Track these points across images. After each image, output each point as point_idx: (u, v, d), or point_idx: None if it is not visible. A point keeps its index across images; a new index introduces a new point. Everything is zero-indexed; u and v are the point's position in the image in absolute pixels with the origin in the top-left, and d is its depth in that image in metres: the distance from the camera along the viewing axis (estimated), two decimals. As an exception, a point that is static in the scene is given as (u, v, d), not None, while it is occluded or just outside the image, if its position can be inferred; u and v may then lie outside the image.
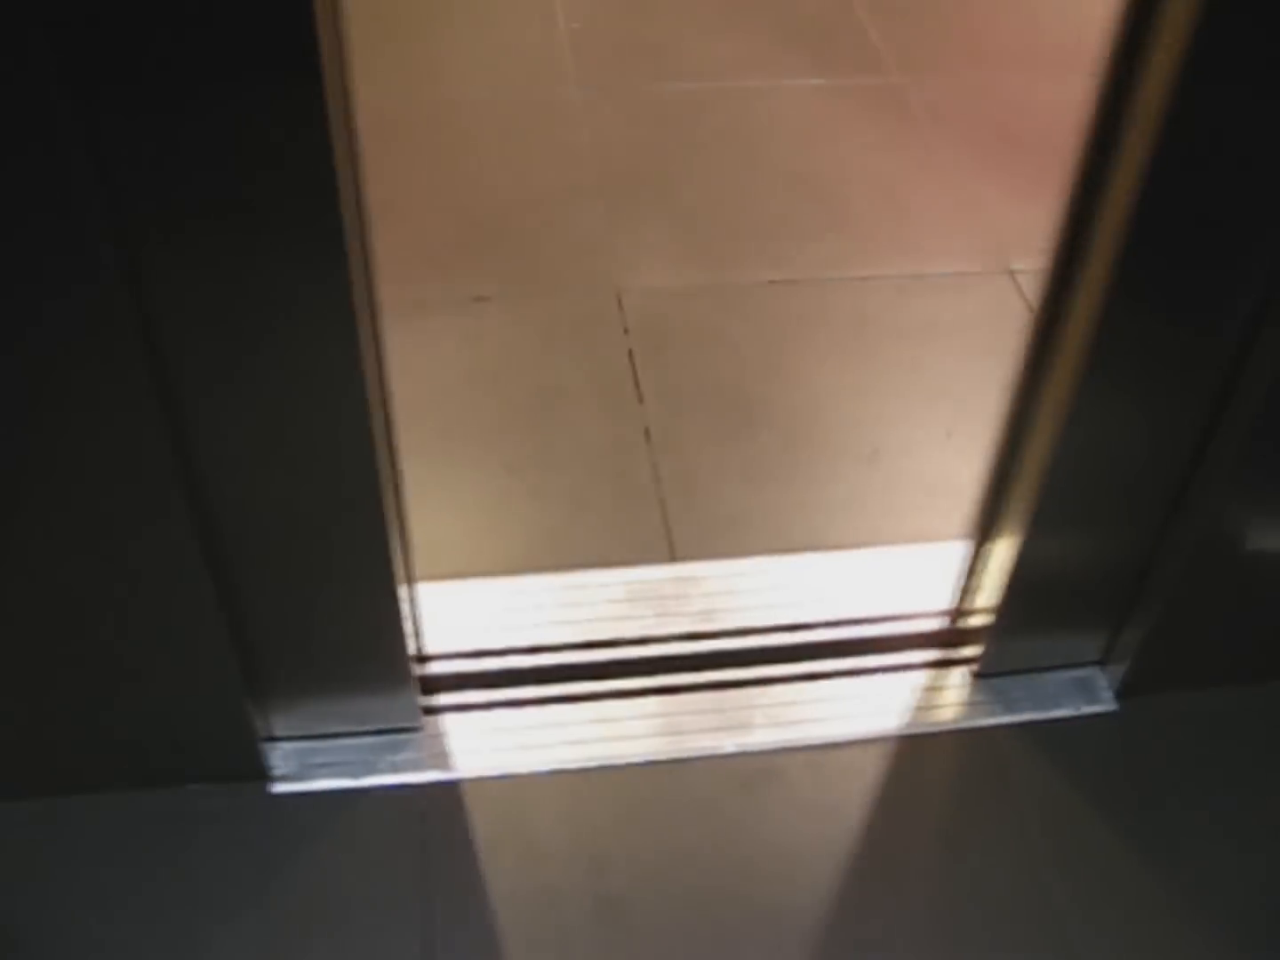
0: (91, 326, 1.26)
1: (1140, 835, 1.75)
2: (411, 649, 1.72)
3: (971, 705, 1.88)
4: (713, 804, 1.77)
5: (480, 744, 1.82)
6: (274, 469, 1.46)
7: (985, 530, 1.79)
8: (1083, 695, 1.89)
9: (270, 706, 1.76)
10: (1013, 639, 1.86)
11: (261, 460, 1.45)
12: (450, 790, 1.77)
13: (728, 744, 1.83)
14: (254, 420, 1.41)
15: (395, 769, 1.79)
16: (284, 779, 1.78)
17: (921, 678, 1.91)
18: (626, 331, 2.36)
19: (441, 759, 1.81)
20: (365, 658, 1.71)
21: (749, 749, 1.82)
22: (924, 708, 1.87)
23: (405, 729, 1.83)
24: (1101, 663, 1.92)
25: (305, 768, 1.79)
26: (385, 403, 1.51)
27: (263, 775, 1.77)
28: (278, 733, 1.80)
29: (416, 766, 1.80)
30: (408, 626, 1.68)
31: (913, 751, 1.84)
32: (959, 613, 1.92)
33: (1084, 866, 1.72)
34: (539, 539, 2.08)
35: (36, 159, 1.14)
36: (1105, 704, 1.89)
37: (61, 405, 1.33)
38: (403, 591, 1.64)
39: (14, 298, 1.23)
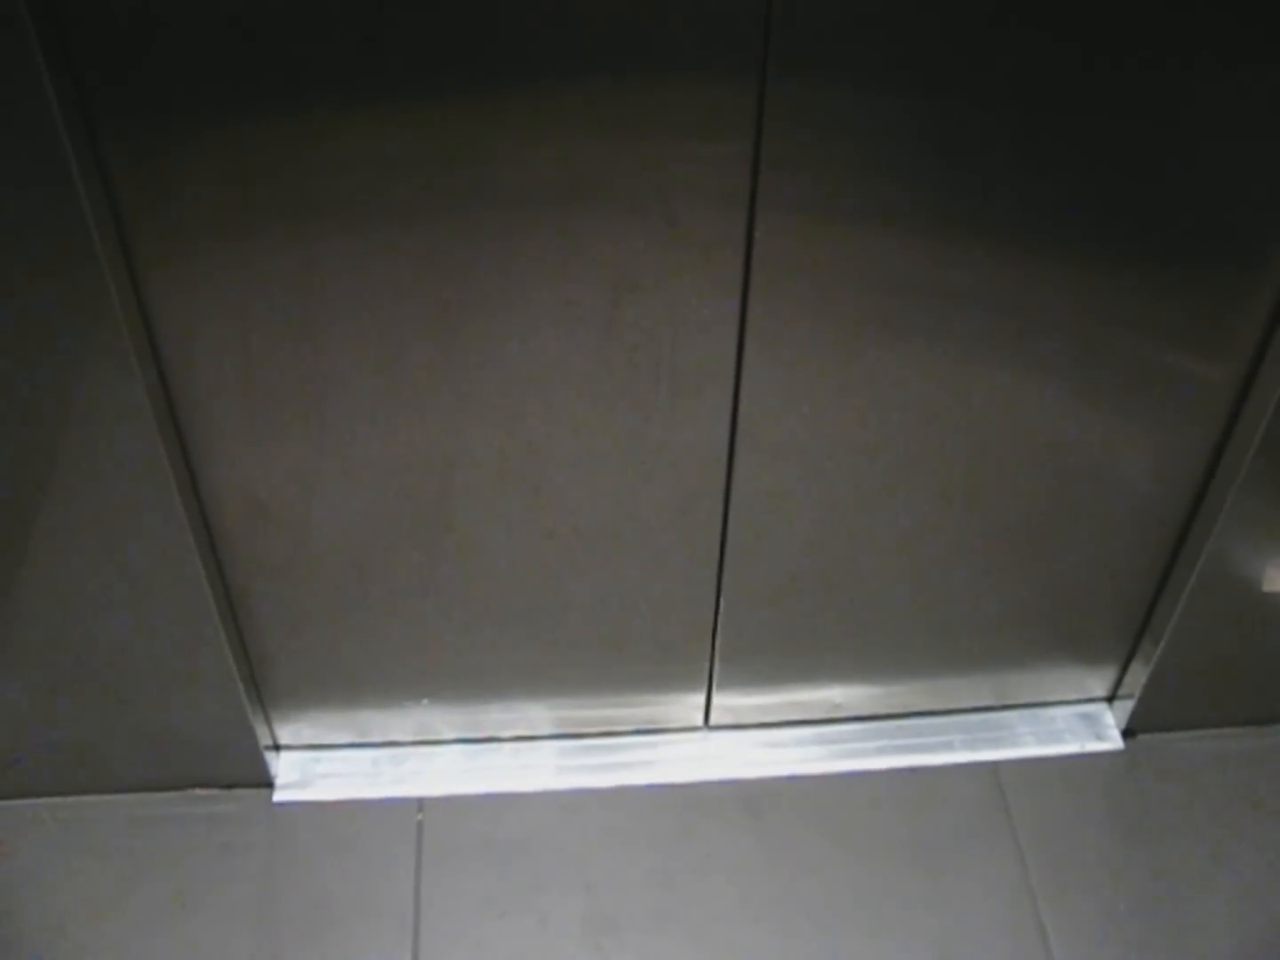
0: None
1: (1141, 877, 1.73)
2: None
3: (975, 738, 1.87)
4: (708, 828, 1.78)
5: (480, 761, 1.84)
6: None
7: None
8: (1089, 732, 1.88)
9: (276, 716, 1.79)
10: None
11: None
12: (450, 805, 1.79)
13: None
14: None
15: (397, 782, 1.81)
16: (287, 787, 1.81)
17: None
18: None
19: (444, 774, 1.83)
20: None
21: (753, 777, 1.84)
22: (926, 739, 1.87)
23: (408, 742, 1.85)
24: (1109, 699, 1.91)
25: (309, 777, 1.82)
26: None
27: (267, 783, 1.80)
28: (283, 742, 1.83)
29: (418, 780, 1.82)
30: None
31: (914, 783, 1.83)
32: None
33: (1083, 905, 1.70)
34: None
35: None
36: (1111, 742, 1.87)
37: (66, 417, 1.36)
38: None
39: None
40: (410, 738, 1.84)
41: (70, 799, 1.78)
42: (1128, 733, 1.88)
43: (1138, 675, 1.82)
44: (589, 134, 1.23)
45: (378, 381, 1.40)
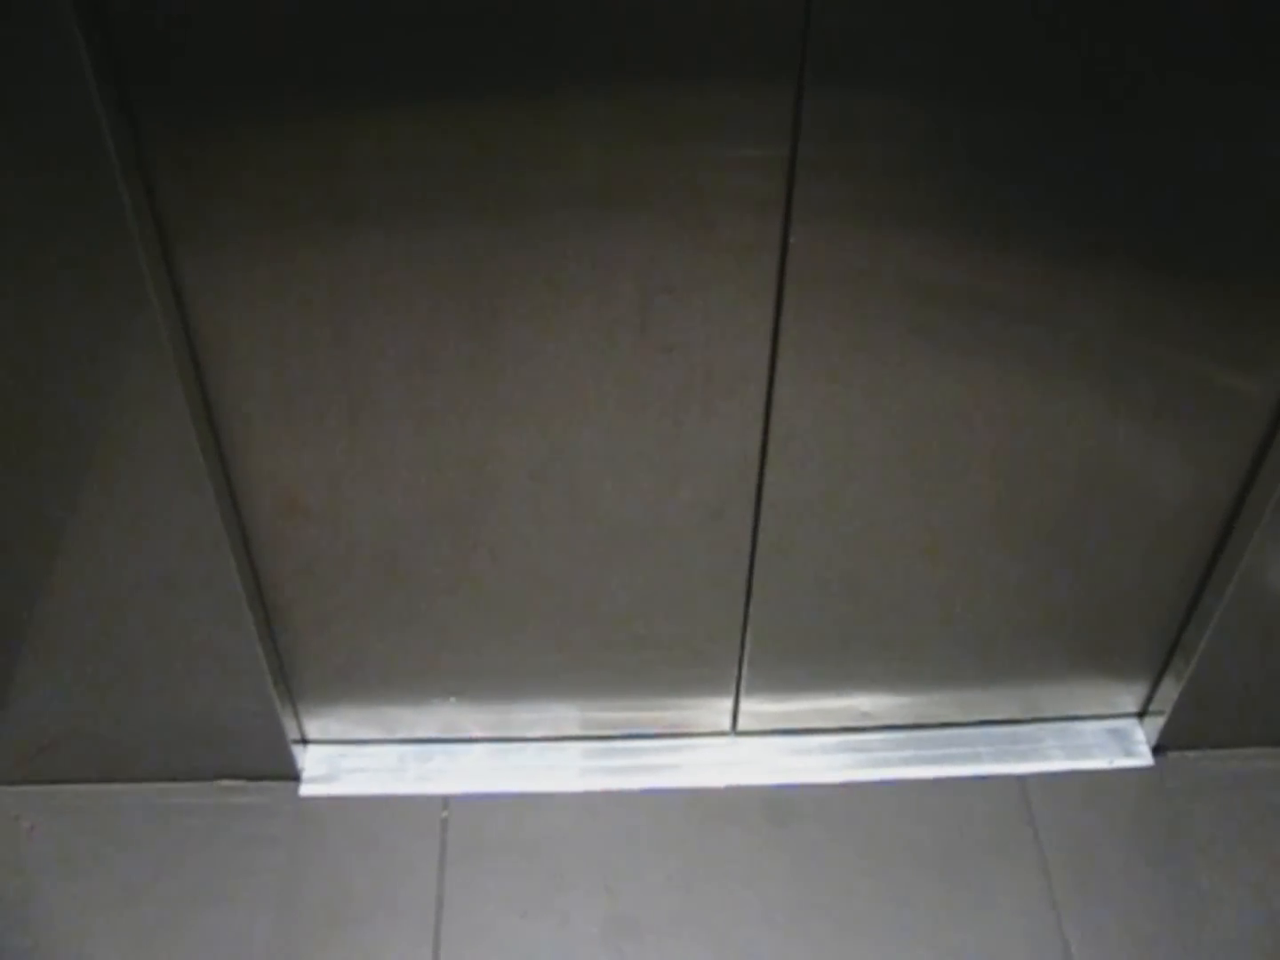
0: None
1: (1167, 895, 1.71)
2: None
3: (1003, 750, 1.86)
4: (732, 833, 1.77)
5: (506, 760, 1.85)
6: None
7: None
8: (1119, 747, 1.87)
9: (304, 710, 1.80)
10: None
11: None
12: (475, 803, 1.79)
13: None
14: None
15: (423, 779, 1.82)
16: (314, 781, 1.81)
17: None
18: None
19: (470, 772, 1.83)
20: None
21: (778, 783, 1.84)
22: (954, 750, 1.86)
23: (435, 740, 1.85)
24: (1139, 715, 1.89)
25: (335, 771, 1.83)
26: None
27: (293, 776, 1.81)
28: (311, 736, 1.84)
29: (444, 777, 1.82)
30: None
31: (941, 794, 1.82)
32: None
33: (1107, 922, 1.69)
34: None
35: None
36: (1141, 758, 1.86)
37: (102, 411, 1.38)
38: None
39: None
40: (437, 735, 1.85)
41: (98, 786, 1.80)
42: (1158, 749, 1.86)
43: (1169, 692, 1.81)
44: (626, 138, 1.23)
45: (411, 379, 1.41)
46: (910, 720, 1.88)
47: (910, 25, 1.17)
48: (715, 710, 1.85)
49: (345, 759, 1.84)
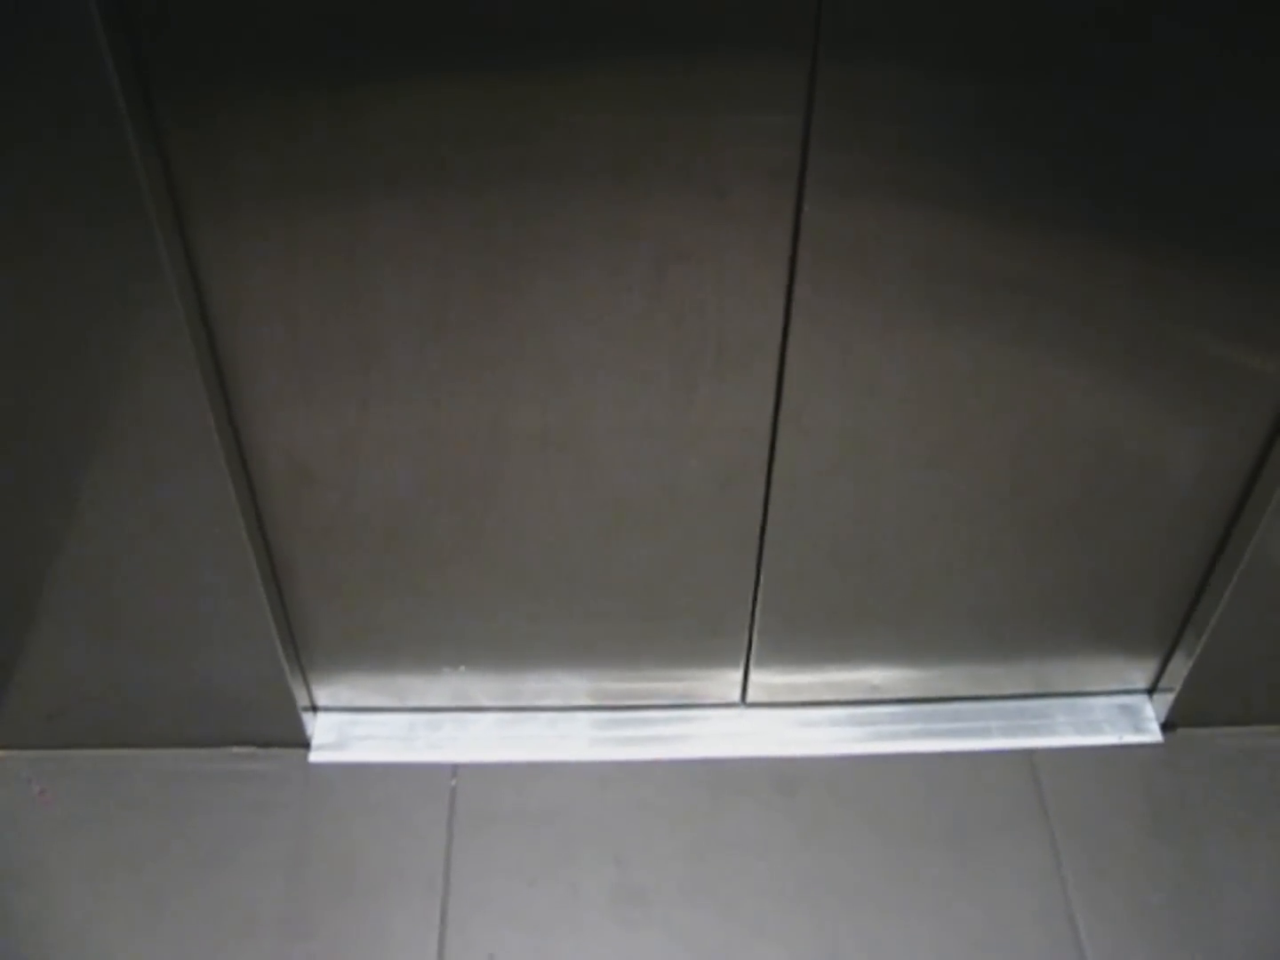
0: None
1: (1175, 870, 1.71)
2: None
3: (1012, 725, 1.86)
4: (740, 805, 1.78)
5: (515, 730, 1.85)
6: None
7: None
8: (1128, 723, 1.86)
9: (315, 677, 1.80)
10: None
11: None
12: (484, 772, 1.80)
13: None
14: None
15: (432, 747, 1.83)
16: (323, 748, 1.82)
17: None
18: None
19: (479, 741, 1.84)
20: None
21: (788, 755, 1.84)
22: (964, 724, 1.86)
23: (445, 708, 1.86)
24: (1149, 691, 1.89)
25: (345, 739, 1.83)
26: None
27: (303, 743, 1.82)
28: (321, 703, 1.84)
29: (453, 746, 1.83)
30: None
31: (950, 767, 1.82)
32: (1008, 632, 1.90)
33: (1115, 896, 1.69)
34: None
35: None
36: (1150, 734, 1.85)
37: (115, 376, 1.38)
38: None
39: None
40: (447, 704, 1.85)
41: (109, 752, 1.81)
42: (1167, 726, 1.86)
43: (1179, 668, 1.81)
44: (640, 106, 1.23)
45: (422, 347, 1.41)
46: (920, 694, 1.88)
47: (926, -6, 1.17)
48: (725, 681, 1.85)
49: (355, 726, 1.85)
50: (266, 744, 1.81)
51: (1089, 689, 1.89)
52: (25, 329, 1.33)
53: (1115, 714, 1.88)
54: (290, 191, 1.27)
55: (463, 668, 1.79)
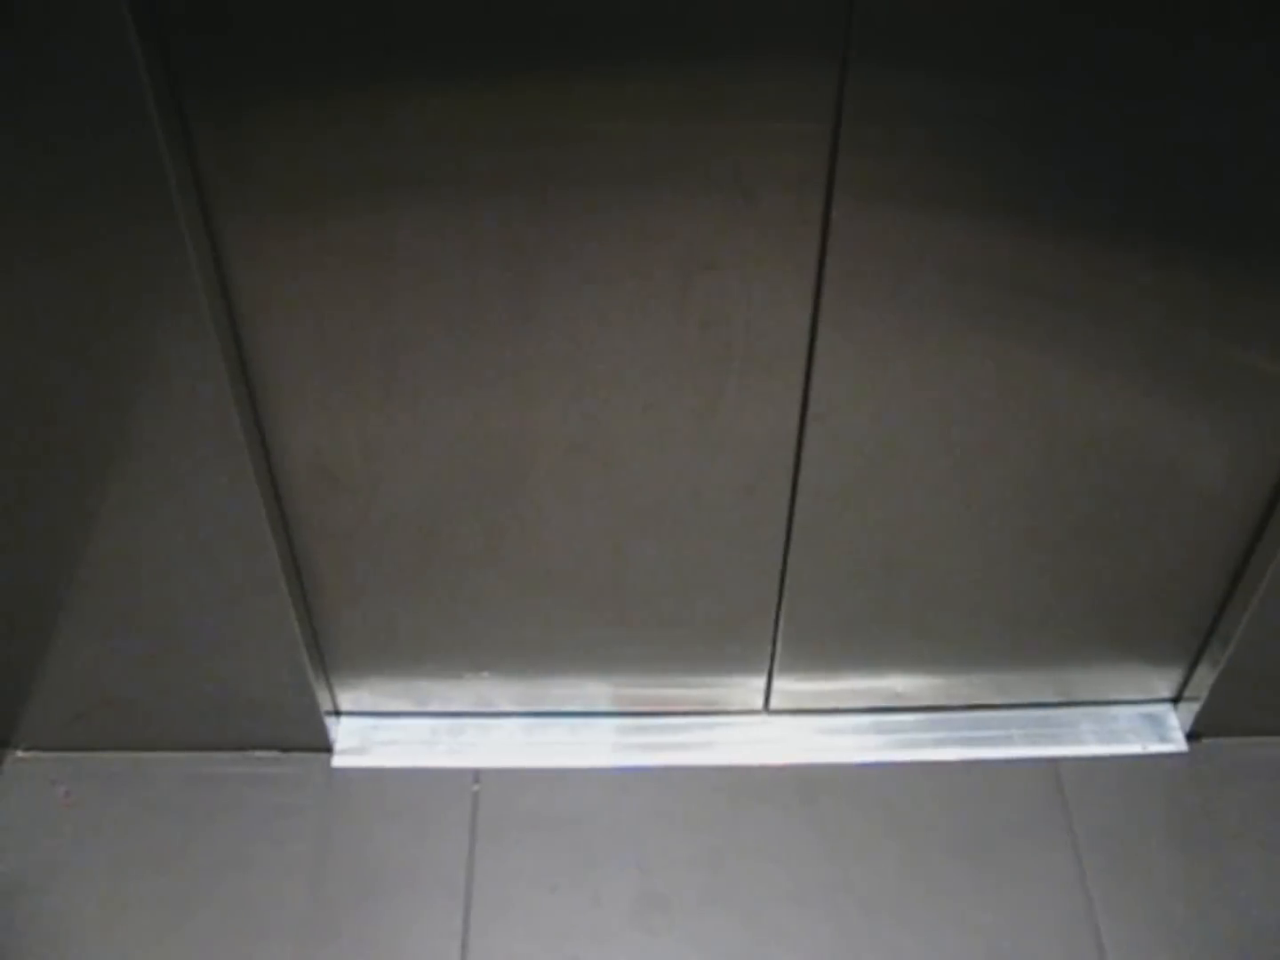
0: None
1: (1199, 882, 1.70)
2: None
3: (1036, 734, 1.86)
4: (763, 812, 1.77)
5: (538, 735, 1.85)
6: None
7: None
8: (1153, 733, 1.86)
9: (338, 682, 1.80)
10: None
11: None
12: (506, 777, 1.80)
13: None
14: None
15: (454, 752, 1.83)
16: (346, 753, 1.82)
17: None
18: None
19: (501, 746, 1.84)
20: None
21: (810, 763, 1.83)
22: (987, 732, 1.86)
23: (468, 713, 1.86)
24: (1174, 701, 1.88)
25: (367, 743, 1.83)
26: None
27: (326, 748, 1.82)
28: (343, 707, 1.85)
29: (475, 751, 1.83)
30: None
31: (972, 776, 1.82)
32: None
33: (1138, 907, 1.68)
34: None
35: None
36: (1175, 744, 1.85)
37: (140, 377, 1.38)
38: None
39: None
40: (469, 709, 1.85)
41: (133, 754, 1.81)
42: (1192, 736, 1.85)
43: (1204, 678, 1.80)
44: (667, 111, 1.22)
45: (448, 352, 1.41)
46: (943, 701, 1.88)
47: (955, 5, 1.16)
48: (748, 689, 1.84)
49: (377, 731, 1.85)
50: (289, 748, 1.81)
51: (1113, 698, 1.88)
52: (52, 328, 1.33)
53: (1140, 723, 1.87)
54: (318, 193, 1.27)
55: (485, 673, 1.79)
